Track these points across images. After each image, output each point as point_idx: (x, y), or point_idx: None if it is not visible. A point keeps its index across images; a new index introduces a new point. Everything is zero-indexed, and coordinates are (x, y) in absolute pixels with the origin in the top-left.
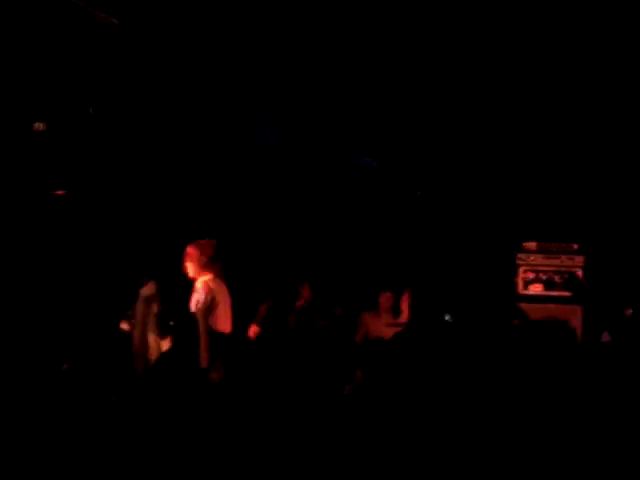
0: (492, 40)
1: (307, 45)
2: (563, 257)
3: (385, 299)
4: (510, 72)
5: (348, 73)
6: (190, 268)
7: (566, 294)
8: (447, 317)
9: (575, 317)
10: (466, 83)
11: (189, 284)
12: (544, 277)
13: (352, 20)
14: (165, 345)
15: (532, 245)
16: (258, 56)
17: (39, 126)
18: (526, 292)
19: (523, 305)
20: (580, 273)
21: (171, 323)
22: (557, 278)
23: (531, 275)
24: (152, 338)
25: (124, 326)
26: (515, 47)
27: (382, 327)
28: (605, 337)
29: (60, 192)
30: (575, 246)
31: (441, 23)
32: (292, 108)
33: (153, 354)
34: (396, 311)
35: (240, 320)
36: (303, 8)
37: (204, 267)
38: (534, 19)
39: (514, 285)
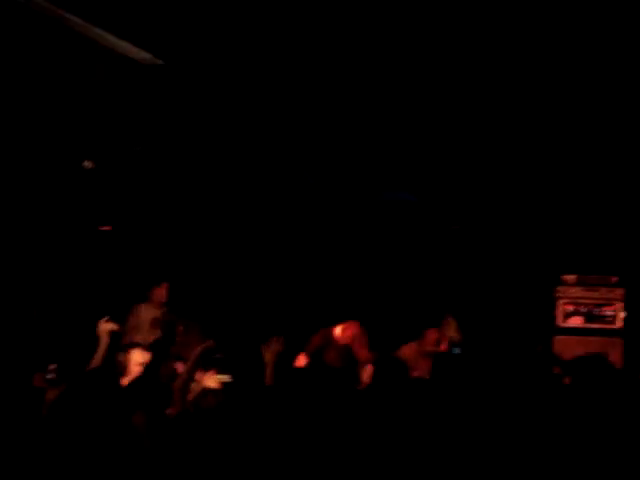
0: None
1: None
2: (603, 289)
3: (432, 334)
4: (550, 107)
5: (381, 109)
6: None
7: (606, 327)
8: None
9: (615, 350)
10: (502, 120)
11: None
12: (584, 310)
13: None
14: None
15: (571, 278)
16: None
17: (88, 164)
18: (565, 324)
19: (562, 338)
20: (620, 305)
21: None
22: (597, 311)
23: (570, 308)
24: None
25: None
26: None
27: (423, 359)
28: None
29: (107, 228)
30: (615, 279)
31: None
32: (326, 146)
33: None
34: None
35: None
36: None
37: None
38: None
39: (553, 318)
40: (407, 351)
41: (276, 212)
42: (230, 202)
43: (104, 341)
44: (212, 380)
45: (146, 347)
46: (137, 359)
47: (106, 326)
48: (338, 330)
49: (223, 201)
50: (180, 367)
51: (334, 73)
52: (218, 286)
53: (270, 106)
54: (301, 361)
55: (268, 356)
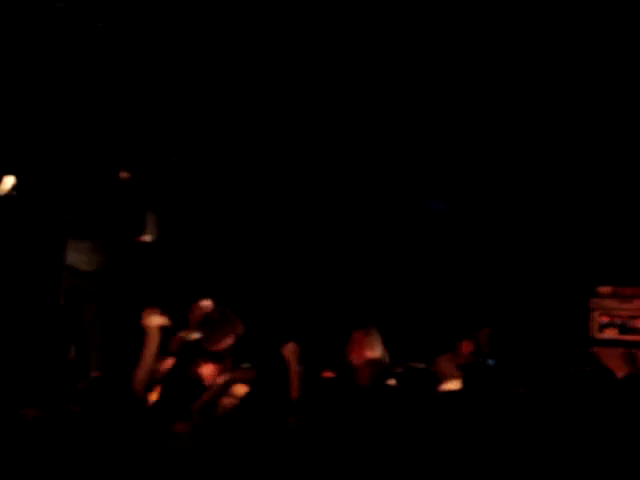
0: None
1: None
2: (638, 301)
3: (467, 346)
4: (579, 121)
5: (412, 118)
6: None
7: (637, 338)
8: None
9: None
10: (534, 129)
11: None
12: (619, 321)
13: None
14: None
15: (607, 289)
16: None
17: (124, 175)
18: (601, 336)
19: (598, 350)
20: None
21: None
22: (632, 323)
23: (606, 319)
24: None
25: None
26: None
27: (456, 370)
28: None
29: (146, 239)
30: None
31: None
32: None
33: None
34: (475, 357)
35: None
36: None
37: None
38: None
39: (588, 329)
40: (441, 363)
41: (309, 219)
42: (265, 210)
43: (154, 338)
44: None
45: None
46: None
47: (155, 319)
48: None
49: (257, 209)
50: (206, 370)
51: (367, 84)
52: (255, 294)
53: (303, 113)
54: (328, 373)
55: (291, 359)
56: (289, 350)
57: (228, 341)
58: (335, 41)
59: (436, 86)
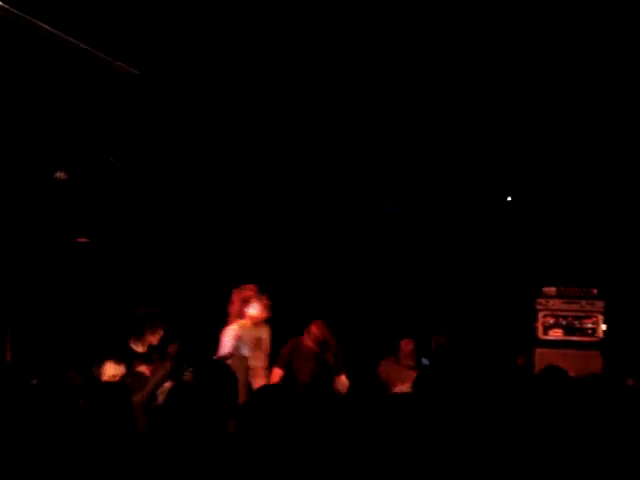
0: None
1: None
2: (583, 302)
3: (406, 344)
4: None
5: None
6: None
7: (586, 339)
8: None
9: (595, 362)
10: (488, 134)
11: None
12: (564, 322)
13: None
14: None
15: (552, 290)
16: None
17: (60, 175)
18: (546, 337)
19: (543, 350)
20: (600, 318)
21: None
22: (577, 323)
23: (551, 320)
24: None
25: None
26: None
27: (403, 372)
28: (630, 382)
29: (82, 240)
30: (595, 291)
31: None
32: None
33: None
34: (415, 356)
35: None
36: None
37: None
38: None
39: (534, 330)
40: (386, 366)
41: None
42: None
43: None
44: None
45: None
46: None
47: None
48: (307, 337)
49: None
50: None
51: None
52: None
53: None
54: (276, 376)
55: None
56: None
57: (153, 340)
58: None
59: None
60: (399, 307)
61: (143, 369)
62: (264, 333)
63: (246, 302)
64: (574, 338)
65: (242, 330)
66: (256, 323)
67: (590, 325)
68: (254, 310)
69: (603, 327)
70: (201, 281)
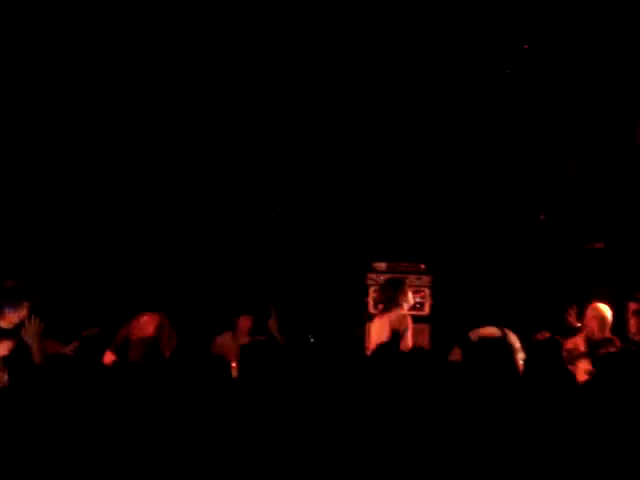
0: None
1: None
2: (411, 277)
3: (243, 321)
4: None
5: None
6: None
7: (415, 313)
8: (311, 338)
9: (423, 335)
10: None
11: None
12: None
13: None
14: None
15: (382, 265)
16: None
17: None
18: (377, 311)
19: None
20: (428, 292)
21: None
22: None
23: None
24: None
25: None
26: None
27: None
28: (454, 356)
29: None
30: (422, 266)
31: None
32: None
33: None
34: (253, 333)
35: None
36: None
37: None
38: None
39: (366, 305)
40: (222, 342)
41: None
42: None
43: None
44: None
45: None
46: None
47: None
48: (141, 321)
49: None
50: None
51: None
52: None
53: None
54: (108, 358)
55: None
56: None
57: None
58: None
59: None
60: (237, 284)
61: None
62: None
63: None
64: None
65: None
66: None
67: (418, 299)
68: None
69: (430, 301)
70: None
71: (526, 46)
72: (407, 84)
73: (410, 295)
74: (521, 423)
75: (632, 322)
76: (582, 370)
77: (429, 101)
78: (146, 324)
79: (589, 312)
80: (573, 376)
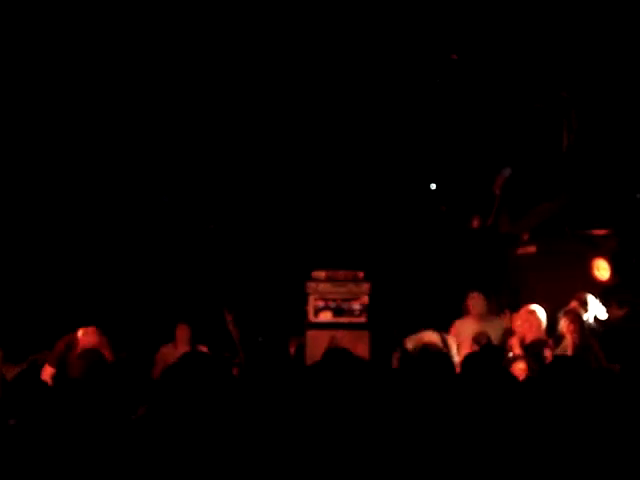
0: None
1: None
2: (350, 285)
3: (181, 331)
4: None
5: None
6: None
7: (354, 320)
8: (260, 339)
9: (362, 343)
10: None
11: None
12: (333, 305)
13: None
14: None
15: (321, 274)
16: None
17: None
18: (317, 320)
19: (314, 332)
20: (366, 300)
21: None
22: (345, 305)
23: (321, 303)
24: None
25: None
26: None
27: None
28: (395, 363)
29: None
30: (361, 274)
31: None
32: None
33: None
34: (194, 342)
35: None
36: None
37: None
38: None
39: (305, 313)
40: (166, 351)
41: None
42: None
43: None
44: None
45: None
46: None
47: None
48: (80, 335)
49: None
50: None
51: None
52: None
53: None
54: (47, 372)
55: None
56: None
57: None
58: None
59: None
60: (176, 294)
61: None
62: None
63: None
64: (343, 320)
65: None
66: None
67: (357, 307)
68: None
69: (369, 308)
70: None
71: (455, 56)
72: (337, 95)
73: None
74: (467, 426)
75: (562, 322)
76: (519, 371)
77: (360, 110)
78: (85, 337)
79: (521, 315)
80: (514, 377)
